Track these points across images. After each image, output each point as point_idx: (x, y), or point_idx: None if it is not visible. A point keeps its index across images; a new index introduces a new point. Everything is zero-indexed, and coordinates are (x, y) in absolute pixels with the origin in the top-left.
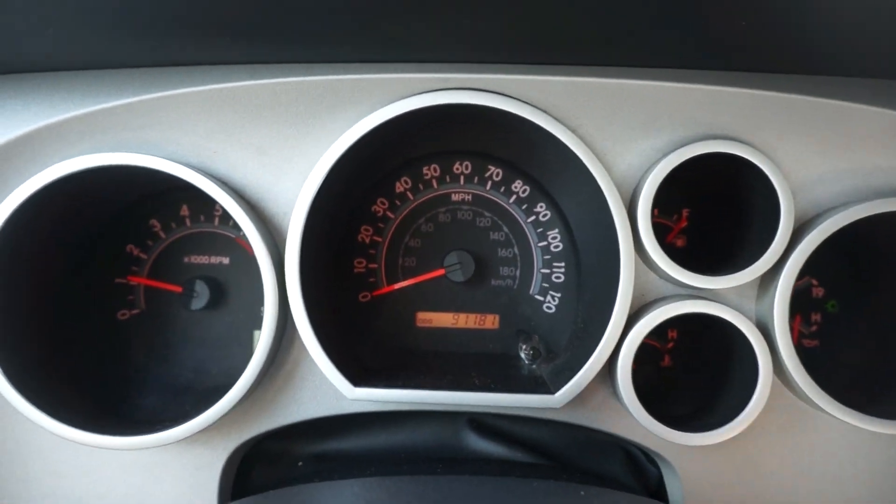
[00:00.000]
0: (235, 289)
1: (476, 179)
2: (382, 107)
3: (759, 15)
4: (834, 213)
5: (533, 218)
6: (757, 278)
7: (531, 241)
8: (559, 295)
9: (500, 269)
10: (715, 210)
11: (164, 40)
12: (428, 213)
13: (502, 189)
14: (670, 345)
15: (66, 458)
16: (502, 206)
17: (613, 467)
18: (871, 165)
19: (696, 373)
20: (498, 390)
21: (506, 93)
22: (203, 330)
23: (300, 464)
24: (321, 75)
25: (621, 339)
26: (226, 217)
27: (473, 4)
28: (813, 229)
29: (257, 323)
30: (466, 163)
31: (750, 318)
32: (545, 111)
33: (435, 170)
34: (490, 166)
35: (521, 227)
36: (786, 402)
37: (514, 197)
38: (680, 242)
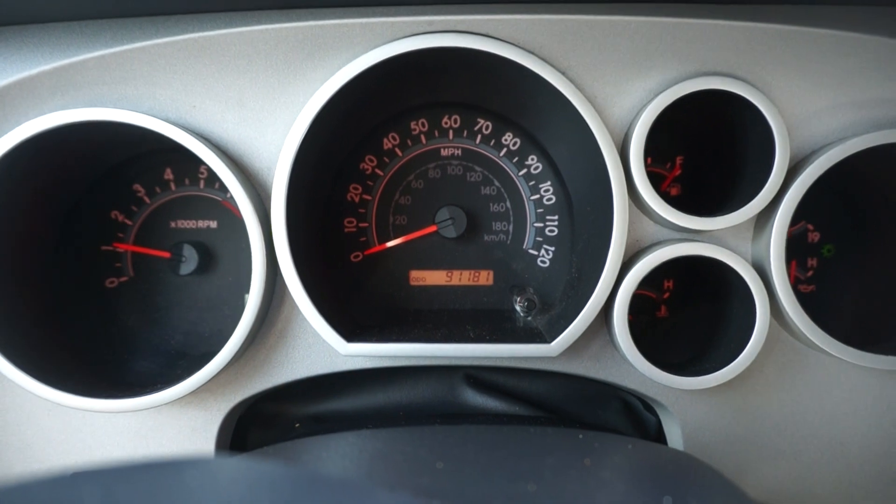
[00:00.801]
0: (225, 252)
1: (465, 133)
2: (365, 53)
3: None
4: (831, 147)
5: (525, 171)
6: (753, 219)
7: (523, 194)
8: (553, 249)
9: (493, 224)
10: (710, 156)
11: None
12: (417, 170)
13: (493, 142)
14: (666, 295)
15: (60, 425)
16: (493, 159)
17: (612, 417)
18: (871, 97)
19: (693, 321)
20: (493, 341)
21: (492, 34)
22: (193, 294)
23: (297, 425)
24: (300, 21)
25: (616, 286)
26: (211, 179)
27: None
28: (809, 165)
29: (248, 286)
30: (455, 116)
31: (746, 260)
32: (533, 53)
33: (423, 124)
34: (480, 119)
35: (513, 180)
36: (783, 344)
37: (505, 150)
38: (675, 191)
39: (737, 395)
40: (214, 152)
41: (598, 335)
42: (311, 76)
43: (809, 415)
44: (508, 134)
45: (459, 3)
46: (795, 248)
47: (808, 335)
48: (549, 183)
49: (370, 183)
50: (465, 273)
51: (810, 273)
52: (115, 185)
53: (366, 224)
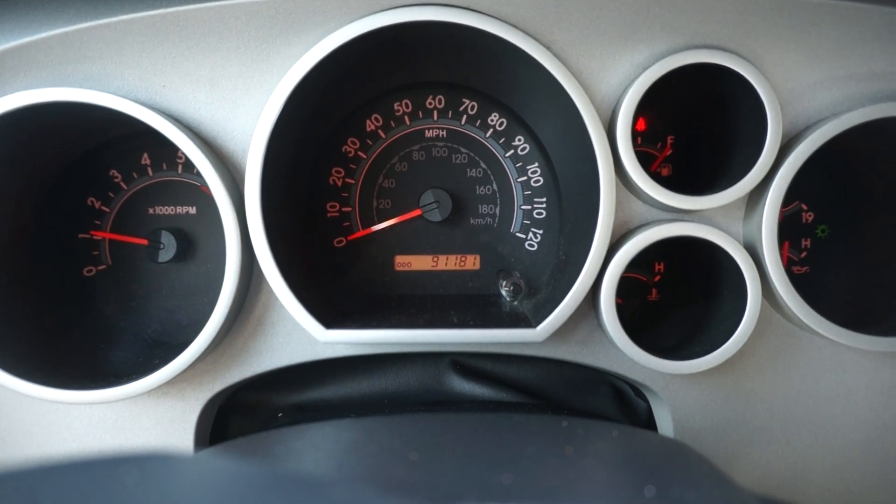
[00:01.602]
0: (204, 239)
1: (450, 114)
2: (340, 28)
3: None
4: (826, 122)
5: (511, 152)
6: (744, 198)
7: (510, 176)
8: (541, 232)
9: (479, 207)
10: (701, 135)
11: None
12: (401, 152)
13: (478, 123)
14: (657, 278)
15: (33, 417)
16: (479, 140)
17: (601, 403)
18: (868, 70)
19: (684, 304)
20: (477, 326)
21: (473, 7)
22: (172, 282)
23: (280, 415)
24: None
25: (604, 268)
26: (190, 164)
27: None
28: (803, 141)
29: None
30: (439, 96)
31: (737, 240)
32: (516, 26)
33: (406, 105)
34: (465, 99)
35: (500, 162)
36: (775, 327)
37: (491, 130)
38: (665, 172)
39: (728, 380)
40: (186, 134)
41: (585, 319)
42: (285, 53)
43: (802, 398)
44: (494, 114)
45: None
46: (789, 229)
47: (801, 317)
48: (536, 164)
49: (353, 166)
50: (452, 258)
51: (804, 254)
52: (91, 170)
53: (349, 208)
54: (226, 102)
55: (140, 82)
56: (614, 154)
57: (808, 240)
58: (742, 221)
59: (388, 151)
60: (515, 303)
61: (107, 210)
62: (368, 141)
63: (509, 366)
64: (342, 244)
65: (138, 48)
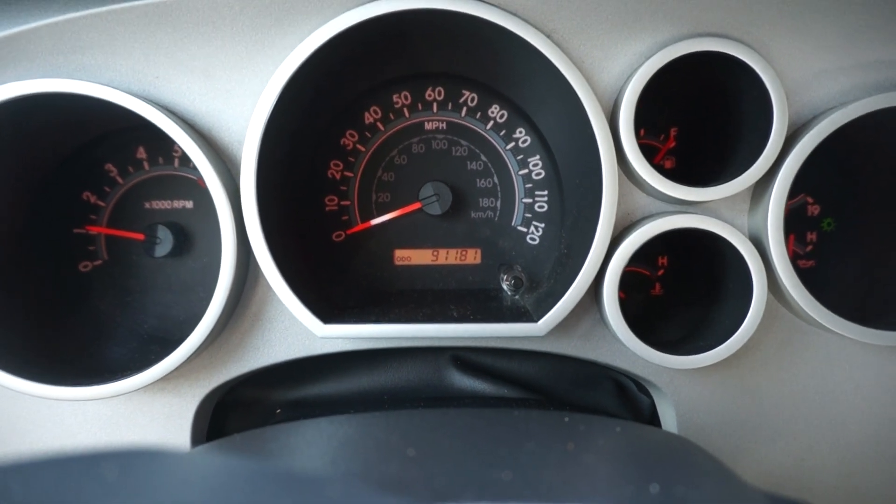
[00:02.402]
0: (201, 234)
1: (450, 106)
2: (336, 16)
3: None
4: (833, 112)
5: (512, 144)
6: (749, 189)
7: (511, 169)
8: (543, 225)
9: (480, 200)
10: (705, 126)
11: None
12: (400, 145)
13: (478, 115)
14: (661, 272)
15: (28, 414)
16: (479, 133)
17: (604, 399)
18: (876, 59)
19: (688, 299)
20: (477, 321)
21: None
22: (168, 277)
23: (278, 411)
24: None
25: (607, 261)
26: (186, 158)
27: None
28: (809, 131)
29: None
30: (439, 88)
31: (742, 232)
32: (516, 14)
33: (406, 97)
34: (465, 91)
35: (500, 154)
36: (781, 320)
37: (492, 123)
38: (669, 164)
39: (733, 375)
40: (180, 125)
41: (588, 313)
42: (280, 43)
43: (809, 393)
44: (495, 106)
45: None
46: (794, 222)
47: (807, 310)
48: (537, 157)
49: (351, 159)
50: (452, 252)
51: (809, 248)
52: (86, 165)
53: (347, 202)
54: (220, 93)
55: (133, 73)
56: (617, 144)
57: (814, 233)
58: (747, 214)
59: (387, 144)
60: (517, 297)
61: (102, 205)
62: (367, 133)
63: (510, 361)
64: (341, 238)
65: (131, 38)
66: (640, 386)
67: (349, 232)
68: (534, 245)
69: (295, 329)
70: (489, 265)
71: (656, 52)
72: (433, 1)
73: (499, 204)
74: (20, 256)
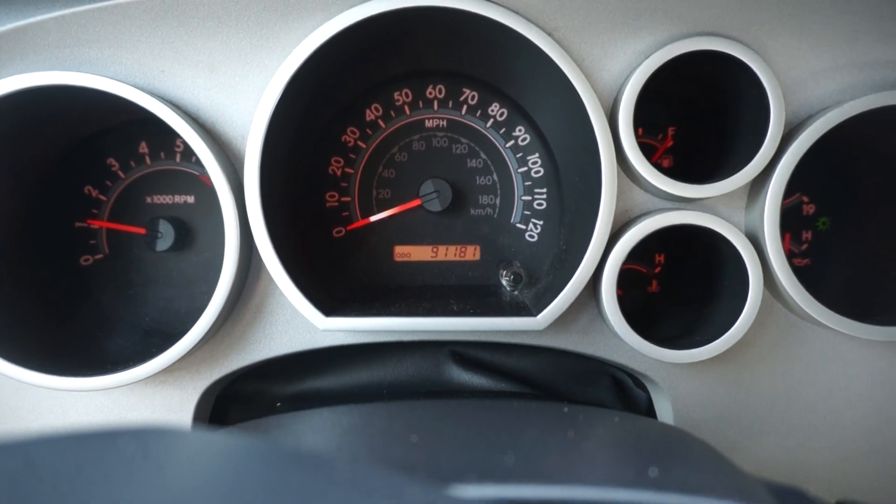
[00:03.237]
0: (202, 228)
1: (451, 104)
2: (341, 13)
3: None
4: (829, 111)
5: (512, 142)
6: (746, 187)
7: (511, 167)
8: (542, 223)
9: (480, 197)
10: (702, 125)
11: None
12: (401, 142)
13: (479, 113)
14: (657, 269)
15: (29, 405)
16: (479, 131)
17: (601, 394)
18: (872, 58)
19: (685, 295)
20: (477, 315)
21: None
22: (170, 271)
23: (279, 404)
24: None
25: (605, 256)
26: (188, 153)
27: None
28: (805, 130)
29: None
30: (440, 86)
31: (739, 229)
32: (518, 13)
33: (407, 95)
34: (465, 89)
35: (500, 152)
36: (777, 316)
37: (492, 121)
38: (666, 163)
39: (729, 370)
40: (185, 119)
41: (586, 309)
42: (285, 39)
43: (804, 388)
44: (495, 104)
45: None
46: (790, 221)
47: (802, 306)
48: (537, 155)
49: (352, 156)
50: (452, 248)
51: (805, 247)
52: (88, 159)
53: (348, 198)
54: (225, 88)
55: (138, 67)
56: (616, 142)
57: (809, 232)
58: (744, 211)
59: (387, 141)
60: (516, 292)
61: (104, 199)
62: (368, 130)
63: (509, 356)
64: (341, 234)
65: (136, 32)
66: (637, 382)
67: (349, 228)
68: (532, 242)
69: (296, 322)
70: (488, 261)
71: (656, 51)
72: None
73: (498, 201)
74: (22, 249)
